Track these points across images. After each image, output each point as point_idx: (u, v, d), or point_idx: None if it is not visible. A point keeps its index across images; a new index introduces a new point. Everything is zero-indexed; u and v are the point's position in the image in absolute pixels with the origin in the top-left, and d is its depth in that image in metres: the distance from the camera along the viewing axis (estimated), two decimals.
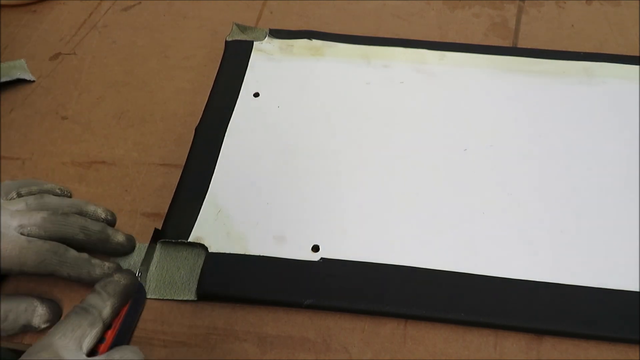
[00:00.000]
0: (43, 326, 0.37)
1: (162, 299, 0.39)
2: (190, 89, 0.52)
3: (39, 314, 0.37)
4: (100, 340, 0.33)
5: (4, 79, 0.52)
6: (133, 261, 0.41)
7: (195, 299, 0.39)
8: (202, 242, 0.41)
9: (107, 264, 0.38)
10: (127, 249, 0.41)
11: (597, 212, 0.42)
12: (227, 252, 0.41)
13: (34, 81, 0.53)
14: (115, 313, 0.34)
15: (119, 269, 0.38)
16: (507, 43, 0.55)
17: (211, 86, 0.51)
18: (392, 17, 0.58)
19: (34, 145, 0.49)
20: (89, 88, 0.53)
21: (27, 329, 0.37)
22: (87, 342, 0.32)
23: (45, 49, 0.56)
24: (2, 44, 0.56)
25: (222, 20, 0.58)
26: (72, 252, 0.37)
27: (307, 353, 0.37)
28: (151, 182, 0.46)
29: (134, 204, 0.44)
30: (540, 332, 0.37)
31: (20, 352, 0.38)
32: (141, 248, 0.41)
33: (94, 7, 0.60)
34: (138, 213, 0.44)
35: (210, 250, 0.41)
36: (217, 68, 0.53)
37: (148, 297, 0.39)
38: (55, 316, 0.38)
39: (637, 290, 0.38)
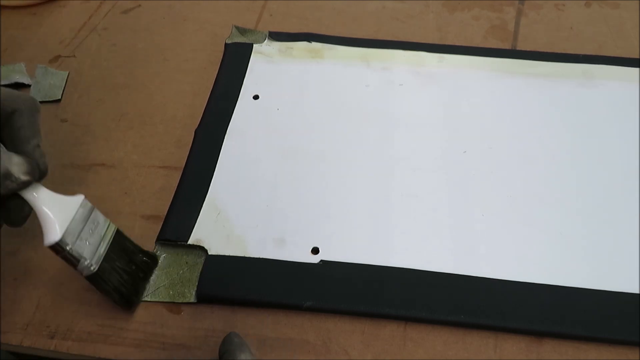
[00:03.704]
0: (23, 178, 0.33)
1: (162, 302, 0.39)
2: (189, 91, 0.52)
3: (15, 162, 0.33)
4: None
5: (3, 82, 0.52)
6: None
7: (195, 301, 0.39)
8: (201, 245, 0.41)
9: None
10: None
11: (597, 214, 0.42)
12: (227, 254, 0.41)
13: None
14: None
15: None
16: (506, 45, 0.55)
17: (211, 89, 0.51)
18: (391, 19, 0.58)
19: None
20: (89, 91, 0.53)
21: (7, 178, 0.33)
22: None
23: (45, 51, 0.56)
24: (2, 47, 0.57)
25: (222, 23, 0.58)
26: None
27: (307, 355, 0.37)
28: (151, 184, 0.46)
29: (134, 206, 0.44)
30: (540, 334, 0.37)
31: (20, 354, 0.38)
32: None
33: (94, 10, 0.60)
34: (138, 215, 0.44)
35: (210, 253, 0.41)
36: (217, 70, 0.53)
37: (147, 299, 0.39)
38: (33, 168, 0.34)
39: (637, 292, 0.38)
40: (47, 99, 0.52)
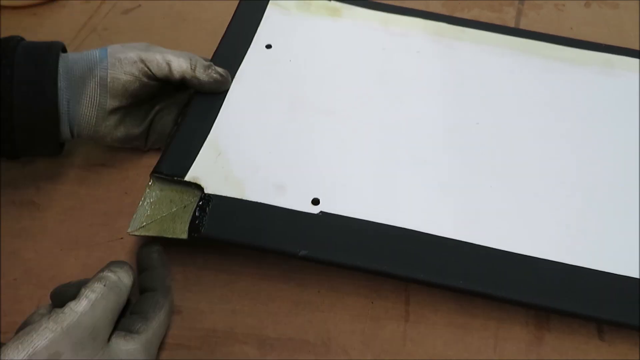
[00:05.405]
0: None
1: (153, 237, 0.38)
2: None
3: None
4: None
5: None
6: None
7: (186, 237, 0.38)
8: (198, 182, 0.39)
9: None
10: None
11: (604, 198, 0.42)
12: (224, 195, 0.39)
13: None
14: None
15: None
16: None
17: None
18: None
19: None
20: None
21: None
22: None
23: None
24: None
25: (222, 23, 0.57)
26: None
27: (307, 355, 0.37)
28: None
29: (134, 206, 0.44)
30: (534, 307, 0.37)
31: None
32: None
33: (94, 10, 0.60)
34: None
35: (206, 192, 0.39)
36: None
37: (136, 233, 0.38)
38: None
39: (637, 277, 0.38)
40: None
